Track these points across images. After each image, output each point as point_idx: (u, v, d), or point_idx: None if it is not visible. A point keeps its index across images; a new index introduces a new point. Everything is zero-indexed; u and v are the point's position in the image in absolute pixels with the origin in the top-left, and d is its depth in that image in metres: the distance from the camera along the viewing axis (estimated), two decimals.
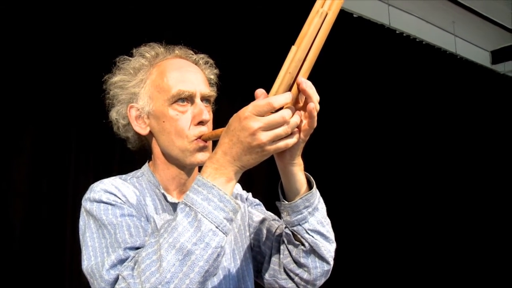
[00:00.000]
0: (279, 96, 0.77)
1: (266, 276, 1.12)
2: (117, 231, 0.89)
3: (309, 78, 0.81)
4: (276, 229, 1.14)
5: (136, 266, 0.79)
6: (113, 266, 0.84)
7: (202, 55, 1.14)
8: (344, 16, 3.76)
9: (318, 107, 0.82)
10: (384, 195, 3.93)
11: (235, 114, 0.80)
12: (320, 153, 3.46)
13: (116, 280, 0.83)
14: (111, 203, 0.95)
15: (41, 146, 2.55)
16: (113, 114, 1.10)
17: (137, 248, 0.86)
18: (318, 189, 1.00)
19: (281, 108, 0.78)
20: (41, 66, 2.46)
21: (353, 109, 3.88)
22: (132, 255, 0.84)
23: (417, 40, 4.52)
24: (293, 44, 0.80)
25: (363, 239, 3.68)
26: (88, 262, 0.89)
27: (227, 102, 1.19)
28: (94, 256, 0.89)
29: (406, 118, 4.26)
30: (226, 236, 0.80)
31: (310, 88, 0.80)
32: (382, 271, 3.76)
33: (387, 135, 4.07)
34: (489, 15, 4.77)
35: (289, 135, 0.80)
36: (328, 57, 3.61)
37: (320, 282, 1.06)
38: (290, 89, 0.80)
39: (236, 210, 0.82)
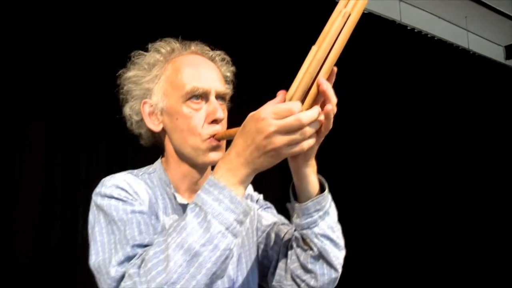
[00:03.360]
0: (295, 102, 0.76)
1: (272, 281, 1.10)
2: (126, 228, 0.88)
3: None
4: (285, 234, 1.12)
5: (143, 265, 0.78)
6: (120, 263, 0.83)
7: (218, 52, 1.11)
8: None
9: (335, 109, 0.80)
10: (397, 194, 3.91)
11: (250, 115, 0.78)
12: (328, 154, 3.45)
13: (122, 277, 0.82)
14: (122, 199, 0.93)
15: (54, 141, 2.60)
16: (127, 110, 1.09)
17: (146, 245, 0.85)
18: (330, 192, 0.97)
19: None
20: (56, 60, 2.49)
21: (364, 106, 3.86)
22: (140, 252, 0.83)
23: (429, 35, 4.45)
24: (313, 44, 0.78)
25: (369, 241, 3.66)
26: (96, 257, 0.88)
27: (243, 101, 1.18)
28: (102, 252, 0.88)
29: (418, 115, 4.22)
30: (235, 238, 0.79)
31: (330, 89, 0.78)
32: (386, 273, 3.75)
33: (399, 132, 4.04)
34: (503, 9, 4.71)
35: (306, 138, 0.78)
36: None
37: None
38: (309, 89, 0.78)
39: (247, 213, 0.80)
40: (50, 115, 2.53)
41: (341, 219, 1.01)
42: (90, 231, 0.95)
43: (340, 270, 1.01)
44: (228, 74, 1.13)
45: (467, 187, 4.44)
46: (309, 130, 0.76)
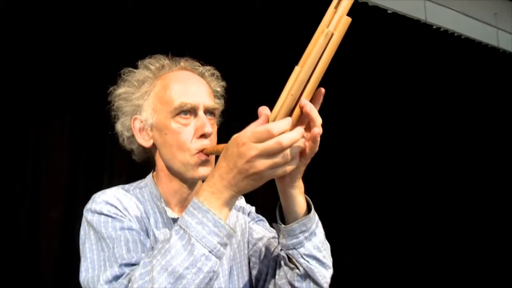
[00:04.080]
0: (278, 122, 0.74)
1: None
2: (115, 245, 0.89)
3: (346, 77, 0.76)
4: (275, 248, 1.12)
5: (129, 285, 0.80)
6: (108, 282, 0.84)
7: (208, 67, 1.12)
8: (377, 13, 3.69)
9: (321, 130, 0.79)
10: (398, 194, 3.88)
11: (233, 137, 0.78)
12: (340, 152, 3.45)
13: None
14: (111, 215, 0.95)
15: (79, 145, 2.72)
16: (118, 126, 1.10)
17: (133, 264, 0.86)
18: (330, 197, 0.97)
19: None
20: (77, 63, 2.61)
21: (390, 107, 3.82)
22: (127, 272, 0.85)
23: (455, 34, 4.32)
24: (298, 58, 0.77)
25: (361, 237, 3.64)
26: (86, 274, 0.90)
27: (235, 115, 1.19)
28: (92, 269, 0.90)
29: (448, 115, 4.13)
30: (219, 260, 0.79)
31: (313, 111, 0.77)
32: (383, 274, 3.70)
33: (429, 133, 3.98)
34: None
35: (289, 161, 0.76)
36: (363, 55, 3.61)
37: None
38: (292, 111, 0.77)
39: (230, 235, 0.80)
40: (74, 117, 2.64)
41: (340, 220, 1.01)
42: (81, 247, 0.96)
43: None
44: (218, 89, 1.13)
45: (474, 187, 4.31)
46: (291, 153, 0.75)
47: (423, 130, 4.06)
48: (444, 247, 4.02)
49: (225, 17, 3.01)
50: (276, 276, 1.05)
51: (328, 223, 1.06)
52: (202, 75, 1.10)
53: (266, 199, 1.41)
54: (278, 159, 0.74)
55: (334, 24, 0.75)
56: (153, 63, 1.08)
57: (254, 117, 0.80)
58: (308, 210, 0.95)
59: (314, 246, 0.96)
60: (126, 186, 1.09)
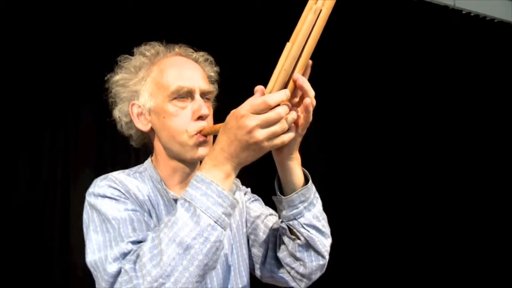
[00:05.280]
0: (275, 94, 0.79)
1: (263, 270, 1.16)
2: (120, 226, 0.91)
3: (378, 64, 0.77)
4: (273, 224, 1.17)
5: (138, 260, 0.82)
6: (116, 259, 0.87)
7: (202, 53, 1.16)
8: (402, 1, 3.60)
9: (314, 102, 0.85)
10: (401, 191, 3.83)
11: (232, 112, 0.82)
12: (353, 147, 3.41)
13: (118, 273, 0.85)
14: (115, 198, 0.97)
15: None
16: (116, 113, 1.13)
17: (139, 242, 0.89)
18: (329, 185, 1.00)
19: (277, 105, 0.79)
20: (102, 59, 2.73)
21: (420, 97, 3.74)
22: (135, 248, 0.87)
23: (487, 18, 4.10)
24: (288, 40, 0.81)
25: (362, 236, 3.63)
26: (92, 255, 0.92)
27: (227, 99, 1.22)
28: (98, 250, 0.91)
29: (484, 106, 4.00)
30: (224, 230, 0.83)
31: (306, 84, 0.82)
32: (380, 269, 3.70)
33: (459, 124, 3.87)
34: None
35: (286, 131, 0.81)
36: (390, 45, 3.54)
37: (316, 276, 1.08)
38: (286, 86, 0.82)
39: (234, 205, 0.84)
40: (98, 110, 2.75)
41: (333, 212, 1.04)
42: (85, 230, 0.99)
43: (327, 257, 1.05)
44: (212, 74, 1.17)
45: (477, 185, 4.17)
46: (288, 121, 0.80)
47: (463, 121, 3.95)
48: (444, 247, 3.96)
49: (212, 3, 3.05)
50: (277, 250, 1.10)
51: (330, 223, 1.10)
52: (196, 60, 1.13)
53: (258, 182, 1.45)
54: (276, 128, 0.79)
55: (322, 0, 0.80)
56: (149, 49, 1.11)
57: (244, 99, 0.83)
58: (306, 182, 1.00)
59: (313, 215, 1.00)
60: (126, 170, 1.12)
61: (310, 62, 0.84)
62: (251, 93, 0.83)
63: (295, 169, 0.96)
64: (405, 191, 3.85)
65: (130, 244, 0.88)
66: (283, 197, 0.99)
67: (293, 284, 1.10)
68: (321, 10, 0.79)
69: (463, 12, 3.98)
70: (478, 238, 3.97)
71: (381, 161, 3.82)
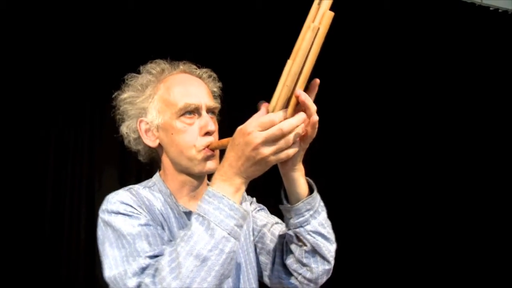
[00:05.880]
0: (280, 112, 0.84)
1: (272, 276, 1.20)
2: (136, 241, 0.95)
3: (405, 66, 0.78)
4: (279, 232, 1.21)
5: (156, 274, 0.86)
6: (135, 274, 0.90)
7: (205, 70, 1.20)
8: (428, 1, 3.52)
9: (316, 117, 0.89)
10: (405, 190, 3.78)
11: (238, 129, 0.86)
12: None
13: (138, 287, 0.88)
14: (128, 214, 1.00)
15: None
16: (124, 129, 1.17)
17: (156, 256, 0.92)
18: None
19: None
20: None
21: (446, 95, 3.66)
22: (152, 263, 0.90)
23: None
24: (288, 57, 0.85)
25: (364, 240, 3.61)
26: (110, 271, 0.95)
27: (229, 113, 1.25)
28: (115, 266, 0.94)
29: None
30: (237, 241, 0.87)
31: (308, 99, 0.86)
32: (382, 271, 3.68)
33: (489, 125, 3.79)
34: None
35: (290, 145, 0.85)
36: (419, 46, 3.46)
37: (322, 280, 1.12)
38: (288, 101, 0.85)
39: (245, 217, 0.89)
40: None
41: (335, 216, 1.05)
42: (100, 247, 1.02)
43: (332, 262, 1.10)
44: (215, 89, 1.21)
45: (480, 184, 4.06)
46: (292, 138, 0.84)
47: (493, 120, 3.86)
48: (446, 248, 3.90)
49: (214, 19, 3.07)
50: (284, 257, 1.15)
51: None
52: (200, 77, 1.18)
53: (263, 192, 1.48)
54: (281, 144, 0.83)
55: (319, 19, 0.84)
56: (154, 67, 1.16)
57: (248, 113, 0.87)
58: (310, 191, 1.04)
59: (318, 223, 1.05)
60: (136, 185, 1.15)
61: (318, 81, 0.88)
62: (251, 106, 0.87)
63: (299, 179, 1.01)
64: (407, 194, 3.82)
65: (147, 259, 0.92)
66: (289, 205, 1.04)
67: None
68: (318, 28, 0.83)
69: (491, 8, 3.86)
70: (480, 238, 3.91)
71: (382, 164, 3.80)
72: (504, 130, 3.96)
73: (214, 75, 1.21)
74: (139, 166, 1.15)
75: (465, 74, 3.83)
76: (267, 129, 0.82)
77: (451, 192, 3.91)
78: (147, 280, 0.87)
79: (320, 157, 3.26)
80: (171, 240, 1.01)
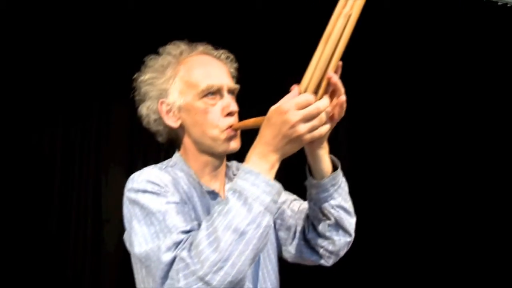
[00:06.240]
0: (311, 94, 0.88)
1: (292, 250, 1.24)
2: (166, 218, 0.97)
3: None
4: (299, 208, 1.26)
5: (192, 248, 0.88)
6: (169, 249, 0.92)
7: (222, 51, 1.22)
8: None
9: (345, 97, 0.95)
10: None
11: (273, 108, 0.89)
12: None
13: (173, 261, 0.91)
14: (155, 192, 1.02)
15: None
16: (143, 110, 1.18)
17: (188, 231, 0.95)
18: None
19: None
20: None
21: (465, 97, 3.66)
22: (185, 238, 0.93)
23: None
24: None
25: (370, 240, 3.48)
26: (140, 247, 0.97)
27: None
28: (145, 242, 0.96)
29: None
30: (272, 216, 0.91)
31: (339, 81, 0.91)
32: (386, 270, 3.64)
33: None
34: None
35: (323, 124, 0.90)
36: (426, 42, 3.44)
37: (343, 252, 1.19)
38: (319, 83, 0.90)
39: (280, 192, 0.93)
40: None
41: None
42: (127, 224, 1.04)
43: (353, 234, 1.17)
44: (232, 70, 1.23)
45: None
46: (324, 116, 0.89)
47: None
48: (445, 246, 3.83)
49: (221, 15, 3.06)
50: (305, 231, 1.20)
51: None
52: (218, 58, 1.20)
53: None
54: (315, 122, 0.88)
55: (350, 5, 0.88)
56: (174, 48, 1.18)
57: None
58: (334, 167, 1.10)
59: (342, 197, 1.11)
60: (158, 165, 1.17)
61: (340, 63, 0.92)
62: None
63: (324, 157, 1.06)
64: (408, 193, 3.76)
65: (181, 234, 0.94)
66: (315, 181, 1.09)
67: (321, 261, 1.20)
68: (350, 15, 0.88)
69: (499, 3, 3.78)
70: (484, 239, 3.82)
71: (383, 164, 3.75)
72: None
73: (232, 56, 1.23)
74: (146, 164, 1.15)
75: (476, 70, 3.78)
76: (303, 107, 0.86)
77: (454, 192, 3.83)
78: (183, 254, 0.89)
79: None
80: (196, 219, 1.04)
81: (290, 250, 1.24)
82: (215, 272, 0.85)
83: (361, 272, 3.52)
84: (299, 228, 1.22)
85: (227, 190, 1.03)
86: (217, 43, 1.23)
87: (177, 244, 0.92)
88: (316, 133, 0.89)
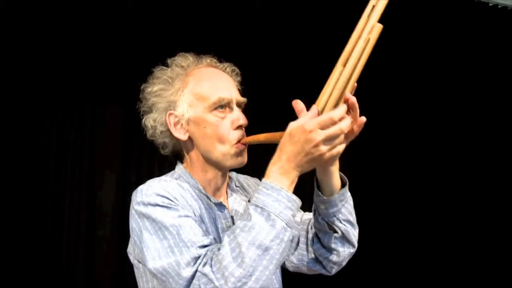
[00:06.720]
0: (336, 111, 0.90)
1: (294, 260, 1.26)
2: (180, 232, 0.96)
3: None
4: (301, 218, 1.28)
5: (214, 263, 0.89)
6: (188, 264, 0.92)
7: (227, 64, 1.22)
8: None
9: (365, 118, 0.99)
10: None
11: (297, 126, 0.91)
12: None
13: (193, 276, 0.90)
14: (166, 205, 1.00)
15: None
16: (150, 121, 1.16)
17: (206, 246, 0.95)
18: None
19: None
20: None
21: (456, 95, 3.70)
22: (204, 252, 0.93)
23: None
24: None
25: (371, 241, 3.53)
26: (154, 262, 0.96)
27: None
28: (159, 257, 0.95)
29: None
30: (292, 229, 0.93)
31: (356, 103, 0.95)
32: (388, 271, 3.71)
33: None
34: None
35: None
36: (424, 44, 3.43)
37: (345, 262, 1.22)
38: (336, 104, 0.93)
39: (299, 207, 0.95)
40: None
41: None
42: (136, 238, 1.03)
43: (356, 245, 1.20)
44: (237, 83, 1.24)
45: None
46: (343, 136, 0.91)
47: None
48: (445, 249, 3.91)
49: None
50: (309, 242, 1.23)
51: None
52: (224, 70, 1.20)
53: None
54: (336, 141, 0.90)
55: (369, 29, 0.92)
56: (182, 60, 1.17)
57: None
58: (342, 182, 1.12)
59: (348, 212, 1.14)
60: (163, 177, 1.15)
61: (356, 84, 0.95)
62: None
63: (335, 172, 1.08)
64: (413, 193, 3.85)
65: (199, 249, 0.94)
66: (325, 197, 1.10)
67: (323, 271, 1.23)
68: (369, 39, 0.91)
69: (490, 4, 3.81)
70: (484, 242, 3.87)
71: (386, 163, 3.81)
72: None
73: (237, 69, 1.24)
74: (139, 165, 1.13)
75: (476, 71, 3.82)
76: (327, 127, 0.88)
77: (453, 196, 3.90)
78: (205, 269, 0.89)
79: None
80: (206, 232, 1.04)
81: (292, 260, 1.26)
82: None
83: (361, 274, 3.56)
84: (302, 239, 1.25)
85: (231, 202, 1.09)
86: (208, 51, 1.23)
87: (196, 259, 0.92)
88: (335, 151, 0.91)
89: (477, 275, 3.77)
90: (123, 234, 2.85)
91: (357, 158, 3.70)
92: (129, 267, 1.14)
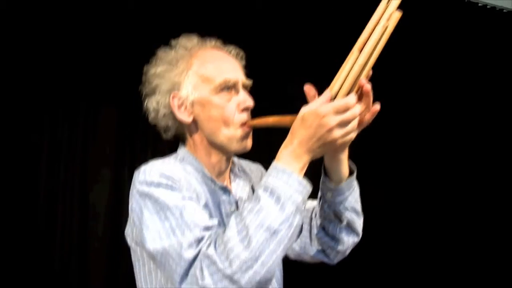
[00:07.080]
0: (351, 97, 0.89)
1: (296, 247, 1.24)
2: (183, 213, 0.93)
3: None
4: (304, 206, 1.23)
5: (218, 245, 0.86)
6: (191, 245, 0.88)
7: (232, 46, 1.19)
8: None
9: (379, 106, 0.96)
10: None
11: (311, 110, 0.89)
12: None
13: (195, 258, 0.87)
14: (170, 186, 0.97)
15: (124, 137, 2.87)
16: (152, 103, 1.12)
17: (209, 227, 0.92)
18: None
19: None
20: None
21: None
22: (207, 234, 0.90)
23: (504, 10, 3.82)
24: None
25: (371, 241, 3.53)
26: (154, 243, 0.92)
27: None
28: (160, 238, 0.92)
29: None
30: (301, 215, 0.92)
31: (370, 90, 0.93)
32: (385, 270, 3.70)
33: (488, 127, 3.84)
34: None
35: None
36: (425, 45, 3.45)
37: (349, 251, 1.21)
38: (350, 90, 0.91)
39: (309, 192, 0.93)
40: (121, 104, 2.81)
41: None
42: (136, 218, 0.99)
43: (361, 234, 1.19)
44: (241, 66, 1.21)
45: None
46: (356, 123, 0.90)
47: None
48: (446, 248, 3.91)
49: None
50: (312, 230, 1.21)
51: None
52: (229, 53, 1.17)
53: None
54: (349, 127, 0.89)
55: (387, 17, 0.90)
56: (186, 41, 1.14)
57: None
58: (350, 170, 1.11)
59: (355, 200, 1.13)
60: (166, 159, 1.12)
61: (371, 71, 0.94)
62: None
63: (345, 160, 1.07)
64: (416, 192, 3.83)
65: (202, 231, 0.91)
66: (333, 185, 1.09)
67: (326, 259, 1.22)
68: (387, 26, 0.90)
69: (479, 4, 3.82)
70: (485, 242, 3.90)
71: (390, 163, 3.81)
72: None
73: (242, 52, 1.21)
74: (133, 165, 1.11)
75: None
76: (341, 112, 0.87)
77: (453, 194, 3.90)
78: (209, 251, 0.86)
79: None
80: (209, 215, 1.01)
81: (294, 248, 1.24)
82: (245, 271, 0.83)
83: (361, 271, 3.54)
84: (305, 226, 1.23)
85: (234, 187, 1.06)
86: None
87: (199, 240, 0.89)
88: (348, 138, 0.90)
89: (477, 272, 3.79)
90: (116, 233, 2.84)
91: (360, 148, 3.65)
92: (123, 266, 1.12)
